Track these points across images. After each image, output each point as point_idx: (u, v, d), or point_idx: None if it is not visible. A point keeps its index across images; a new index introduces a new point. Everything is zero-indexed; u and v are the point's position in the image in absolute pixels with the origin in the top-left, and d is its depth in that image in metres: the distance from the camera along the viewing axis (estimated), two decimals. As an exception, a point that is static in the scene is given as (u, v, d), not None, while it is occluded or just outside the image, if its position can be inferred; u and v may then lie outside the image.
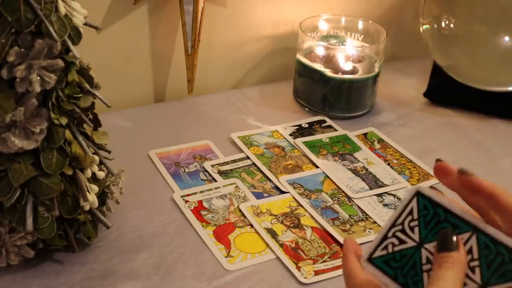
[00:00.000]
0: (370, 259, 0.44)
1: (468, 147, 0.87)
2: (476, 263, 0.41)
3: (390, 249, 0.43)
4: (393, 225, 0.44)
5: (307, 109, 0.93)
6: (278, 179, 0.77)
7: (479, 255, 0.41)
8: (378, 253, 0.44)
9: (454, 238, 0.42)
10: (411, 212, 0.44)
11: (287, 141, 0.85)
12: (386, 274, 0.43)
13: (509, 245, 0.40)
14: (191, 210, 0.71)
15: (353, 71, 0.91)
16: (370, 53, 0.92)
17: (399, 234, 0.44)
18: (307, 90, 0.93)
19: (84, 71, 0.60)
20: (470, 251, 0.41)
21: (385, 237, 0.44)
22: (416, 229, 0.43)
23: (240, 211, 0.72)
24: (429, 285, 0.41)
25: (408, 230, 0.43)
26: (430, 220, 0.43)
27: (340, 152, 0.83)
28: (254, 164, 0.80)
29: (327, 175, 0.79)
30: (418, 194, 0.44)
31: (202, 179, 0.77)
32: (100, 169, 0.64)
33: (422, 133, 0.90)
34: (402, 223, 0.44)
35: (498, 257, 0.41)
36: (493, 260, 0.41)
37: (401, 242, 0.43)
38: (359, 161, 0.82)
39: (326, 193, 0.76)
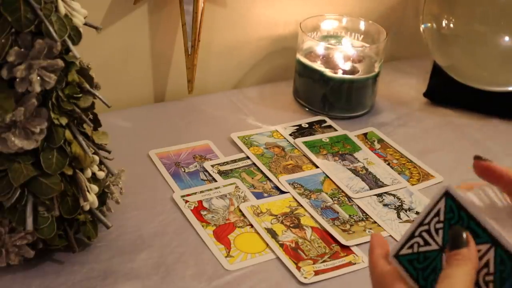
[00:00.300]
0: (397, 256, 0.43)
1: (468, 147, 0.87)
2: (491, 277, 0.40)
3: (415, 248, 0.43)
4: (421, 223, 0.43)
5: (307, 109, 0.93)
6: (278, 179, 0.77)
7: (494, 270, 0.40)
8: (405, 251, 0.43)
9: (464, 235, 0.41)
10: (438, 213, 0.43)
11: (287, 141, 0.85)
12: (409, 274, 0.42)
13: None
14: (191, 210, 0.71)
15: (353, 71, 0.91)
16: (370, 53, 0.92)
17: (425, 234, 0.43)
18: (307, 90, 0.93)
19: (84, 71, 0.60)
20: (486, 265, 0.41)
21: (412, 235, 0.43)
22: (441, 232, 0.42)
23: (240, 211, 0.72)
24: (439, 284, 0.40)
25: (433, 232, 0.43)
26: (454, 224, 0.42)
27: (340, 152, 0.83)
28: (254, 164, 0.80)
29: (327, 175, 0.79)
30: (447, 195, 0.43)
31: (202, 179, 0.77)
32: (100, 169, 0.64)
33: (422, 133, 0.90)
34: (429, 223, 0.43)
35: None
36: (507, 277, 0.39)
37: (426, 243, 0.43)
38: (359, 161, 0.82)
39: (326, 193, 0.76)
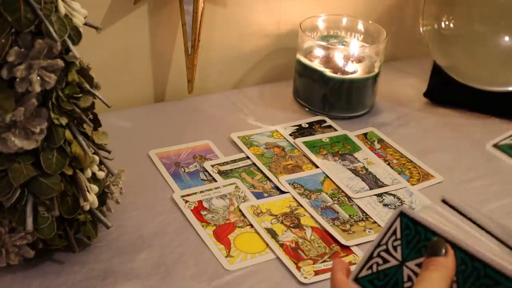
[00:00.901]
0: (356, 279, 0.45)
1: (468, 147, 0.87)
2: (453, 278, 0.42)
3: (374, 268, 0.45)
4: (378, 245, 0.45)
5: (307, 109, 0.93)
6: (278, 179, 0.77)
7: (456, 270, 0.42)
8: (364, 272, 0.45)
9: (444, 247, 0.43)
10: (394, 232, 0.45)
11: (287, 141, 0.85)
12: None
13: (486, 261, 0.41)
14: (191, 210, 0.71)
15: (353, 71, 0.91)
16: (370, 53, 0.92)
17: (383, 253, 0.45)
18: (307, 90, 0.93)
19: (84, 71, 0.60)
20: None
21: (370, 257, 0.45)
22: (399, 248, 0.44)
23: (240, 211, 0.72)
24: (415, 286, 0.41)
25: (391, 250, 0.45)
26: (411, 239, 0.44)
27: (340, 152, 0.83)
28: (254, 164, 0.80)
29: (327, 175, 0.79)
30: (402, 215, 0.45)
31: (202, 179, 0.77)
32: (100, 169, 0.64)
33: (422, 133, 0.90)
34: (386, 243, 0.45)
35: (474, 272, 0.42)
36: (469, 275, 0.42)
37: (385, 261, 0.44)
38: (359, 161, 0.82)
39: (326, 193, 0.76)
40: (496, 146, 0.44)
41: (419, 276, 0.42)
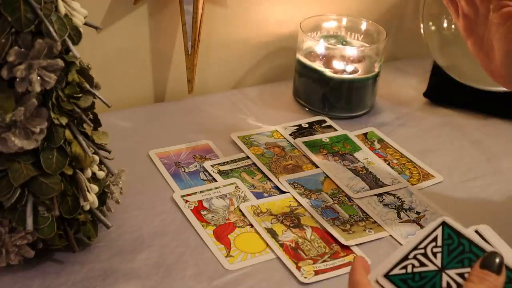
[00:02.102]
0: (387, 275, 0.46)
1: (468, 147, 0.87)
2: None
3: (409, 269, 0.46)
4: (415, 248, 0.46)
5: (307, 109, 0.93)
6: (278, 179, 0.77)
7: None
8: (397, 271, 0.46)
9: (499, 260, 0.43)
10: (435, 239, 0.46)
11: (287, 141, 0.85)
12: None
13: None
14: (191, 210, 0.71)
15: (353, 71, 0.91)
16: (370, 53, 0.92)
17: (420, 257, 0.46)
18: (307, 90, 0.93)
19: (84, 71, 0.60)
20: None
21: (405, 258, 0.46)
22: (439, 255, 0.45)
23: (240, 211, 0.72)
24: None
25: (430, 255, 0.46)
26: (454, 248, 0.45)
27: (340, 152, 0.83)
28: (254, 164, 0.80)
29: (327, 175, 0.79)
30: (444, 224, 0.47)
31: (202, 179, 0.77)
32: (100, 169, 0.64)
33: (422, 133, 0.90)
34: (425, 248, 0.46)
35: None
36: None
37: (422, 264, 0.45)
38: (359, 161, 0.82)
39: (326, 193, 0.76)
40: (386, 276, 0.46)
41: (466, 284, 0.43)
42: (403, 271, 0.45)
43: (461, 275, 0.44)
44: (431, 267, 0.45)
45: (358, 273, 0.46)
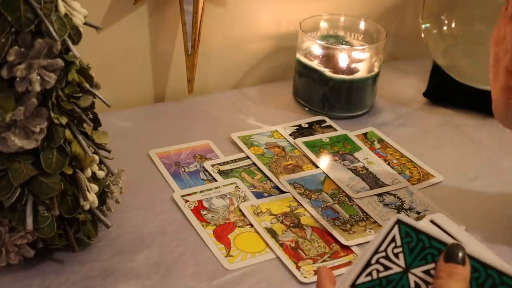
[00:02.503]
0: (354, 285, 0.45)
1: (468, 147, 0.87)
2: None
3: (375, 275, 0.44)
4: (376, 252, 0.45)
5: (307, 109, 0.93)
6: (278, 179, 0.77)
7: (470, 278, 0.42)
8: (362, 279, 0.45)
9: (462, 253, 0.43)
10: (393, 240, 0.45)
11: (287, 141, 0.85)
12: None
13: (500, 269, 0.42)
14: (191, 209, 0.71)
15: (353, 71, 0.91)
16: (370, 53, 0.92)
17: (383, 260, 0.45)
18: (307, 90, 0.93)
19: (84, 70, 0.60)
20: None
21: (368, 264, 0.45)
22: (401, 255, 0.44)
23: (240, 210, 0.72)
24: None
25: (392, 257, 0.45)
26: (414, 246, 0.44)
27: (340, 152, 0.83)
28: (254, 164, 0.80)
29: (327, 175, 0.79)
30: (399, 223, 0.45)
31: (202, 179, 0.77)
32: (100, 169, 0.64)
33: (422, 133, 0.90)
34: (385, 250, 0.45)
35: (488, 279, 0.42)
36: (484, 282, 0.42)
37: (386, 268, 0.44)
38: (359, 161, 0.82)
39: (327, 193, 0.76)
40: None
41: (439, 281, 0.42)
42: (369, 278, 0.44)
43: (427, 272, 0.43)
44: (395, 269, 0.44)
45: (324, 285, 0.46)
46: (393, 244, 0.45)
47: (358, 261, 0.45)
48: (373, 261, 0.45)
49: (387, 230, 0.46)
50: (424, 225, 0.45)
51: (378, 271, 0.45)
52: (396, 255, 0.45)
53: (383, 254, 0.45)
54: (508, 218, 0.74)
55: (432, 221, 0.47)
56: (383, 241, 0.45)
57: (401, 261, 0.44)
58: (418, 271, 0.43)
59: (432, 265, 0.43)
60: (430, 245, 0.44)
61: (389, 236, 0.45)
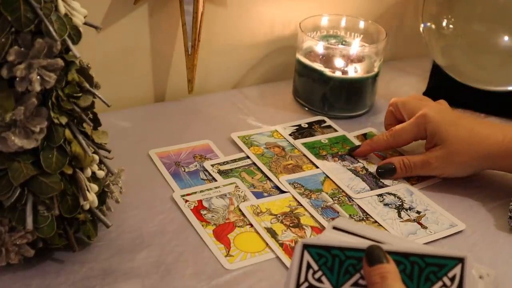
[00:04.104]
0: None
1: (468, 147, 0.87)
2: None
3: None
4: (298, 284, 0.44)
5: (306, 108, 0.93)
6: (278, 179, 0.77)
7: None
8: None
9: (380, 251, 0.43)
10: (309, 266, 0.44)
11: (287, 141, 0.85)
12: None
13: (420, 252, 0.42)
14: (191, 209, 0.71)
15: (353, 71, 0.91)
16: (370, 53, 0.92)
17: None
18: (306, 90, 0.93)
19: (84, 70, 0.60)
20: None
21: None
22: (324, 278, 0.44)
23: (240, 210, 0.72)
24: None
25: (316, 283, 0.44)
26: (332, 264, 0.44)
27: (340, 153, 0.83)
28: (254, 163, 0.80)
29: (327, 175, 0.79)
30: (306, 247, 0.45)
31: (202, 179, 0.77)
32: (100, 168, 0.64)
33: (422, 133, 0.90)
34: (306, 279, 0.44)
35: (414, 266, 0.42)
36: (411, 271, 0.42)
37: None
38: (358, 161, 0.82)
39: (327, 193, 0.76)
40: None
41: (377, 286, 0.41)
42: None
43: (356, 284, 0.43)
44: None
45: None
46: (311, 271, 0.44)
47: None
48: None
49: (298, 258, 0.45)
50: (330, 235, 0.45)
51: None
52: (318, 280, 0.44)
53: (306, 284, 0.44)
54: (507, 218, 0.74)
55: (335, 227, 0.47)
56: (299, 271, 0.44)
57: (327, 284, 0.43)
58: (347, 286, 0.43)
59: (357, 276, 0.43)
60: (346, 257, 0.43)
61: (303, 264, 0.44)
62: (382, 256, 0.42)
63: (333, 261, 0.44)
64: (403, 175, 0.78)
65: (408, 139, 0.79)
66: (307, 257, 0.45)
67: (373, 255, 0.42)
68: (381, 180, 0.78)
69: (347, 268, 0.43)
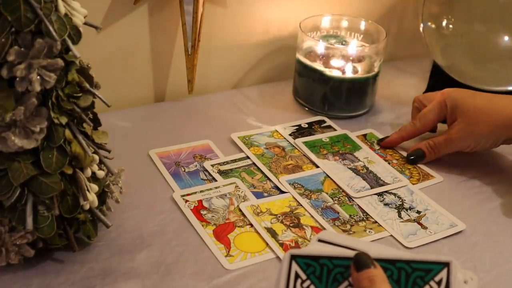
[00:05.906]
0: None
1: (468, 147, 0.87)
2: None
3: None
4: None
5: (306, 108, 0.93)
6: (278, 179, 0.77)
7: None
8: None
9: (367, 257, 0.43)
10: (297, 276, 0.45)
11: (287, 141, 0.85)
12: None
13: (406, 259, 0.43)
14: (191, 209, 0.71)
15: (353, 71, 0.91)
16: (370, 53, 0.92)
17: None
18: (307, 90, 0.93)
19: (84, 70, 0.60)
20: None
21: None
22: (313, 287, 0.44)
23: (240, 210, 0.72)
24: None
25: None
26: (320, 273, 0.44)
27: (341, 152, 0.83)
28: (254, 164, 0.80)
29: (327, 175, 0.79)
30: (294, 257, 0.45)
31: (202, 179, 0.77)
32: (100, 168, 0.64)
33: (422, 132, 0.90)
34: None
35: (401, 272, 0.43)
36: (399, 277, 0.43)
37: None
38: (359, 160, 0.82)
39: (327, 193, 0.76)
40: None
41: None
42: None
43: None
44: None
45: None
46: (299, 280, 0.44)
47: None
48: None
49: (286, 269, 0.45)
50: (317, 247, 0.45)
51: None
52: None
53: None
54: (508, 217, 0.74)
55: (320, 240, 0.47)
56: (288, 282, 0.45)
57: None
58: None
59: (346, 283, 0.43)
60: (334, 265, 0.44)
61: (291, 274, 0.45)
62: (369, 262, 0.44)
63: (321, 270, 0.44)
64: (432, 157, 0.81)
65: (433, 119, 0.83)
66: (294, 267, 0.45)
67: (360, 261, 0.44)
68: (381, 179, 0.78)
69: (335, 276, 0.44)
